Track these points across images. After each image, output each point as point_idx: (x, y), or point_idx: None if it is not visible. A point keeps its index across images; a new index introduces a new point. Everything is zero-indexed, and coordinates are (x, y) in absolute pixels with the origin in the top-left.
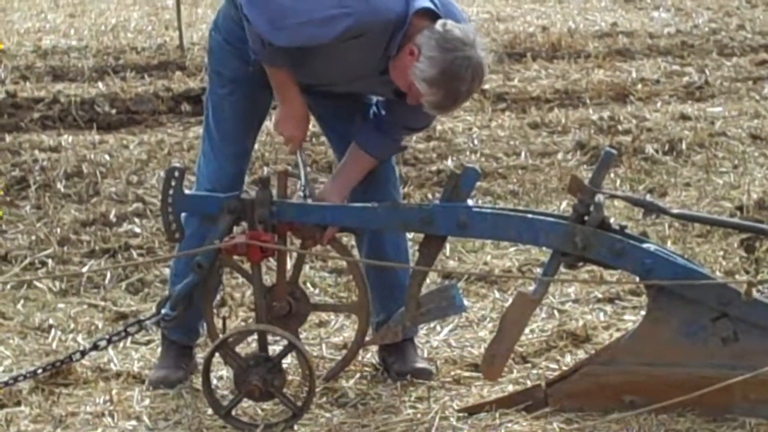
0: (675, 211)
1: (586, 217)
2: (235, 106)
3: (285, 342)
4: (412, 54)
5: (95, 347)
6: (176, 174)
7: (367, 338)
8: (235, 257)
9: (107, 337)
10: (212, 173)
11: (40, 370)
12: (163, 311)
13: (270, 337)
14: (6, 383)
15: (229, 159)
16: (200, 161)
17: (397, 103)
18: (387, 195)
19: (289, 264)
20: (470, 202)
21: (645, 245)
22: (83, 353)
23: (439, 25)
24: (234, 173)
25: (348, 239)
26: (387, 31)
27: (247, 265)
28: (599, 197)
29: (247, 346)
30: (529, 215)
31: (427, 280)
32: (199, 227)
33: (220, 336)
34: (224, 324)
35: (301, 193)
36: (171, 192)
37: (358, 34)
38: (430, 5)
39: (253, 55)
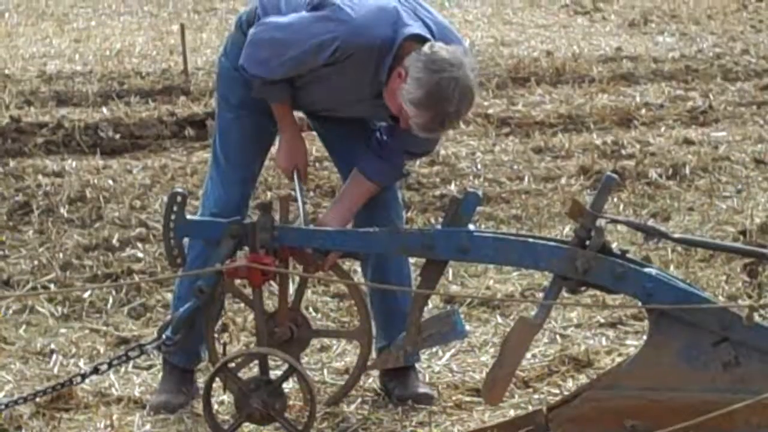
0: (676, 235)
1: (587, 242)
2: (241, 131)
3: (286, 367)
4: (400, 76)
5: (96, 371)
6: (178, 199)
7: (368, 363)
8: (237, 282)
9: (108, 361)
10: (218, 198)
11: (40, 394)
12: (164, 336)
13: (272, 362)
14: (6, 405)
15: (235, 184)
16: (207, 185)
17: (398, 128)
18: (389, 222)
19: (291, 289)
20: (471, 226)
21: (646, 270)
22: (84, 377)
23: (426, 47)
24: (239, 198)
25: (351, 265)
26: (372, 54)
27: (248, 291)
28: (600, 222)
29: (249, 371)
30: (531, 239)
31: (429, 305)
32: (202, 251)
33: (221, 360)
34: (225, 350)
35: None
36: (173, 217)
37: (345, 55)
38: (420, 32)
39: (254, 94)
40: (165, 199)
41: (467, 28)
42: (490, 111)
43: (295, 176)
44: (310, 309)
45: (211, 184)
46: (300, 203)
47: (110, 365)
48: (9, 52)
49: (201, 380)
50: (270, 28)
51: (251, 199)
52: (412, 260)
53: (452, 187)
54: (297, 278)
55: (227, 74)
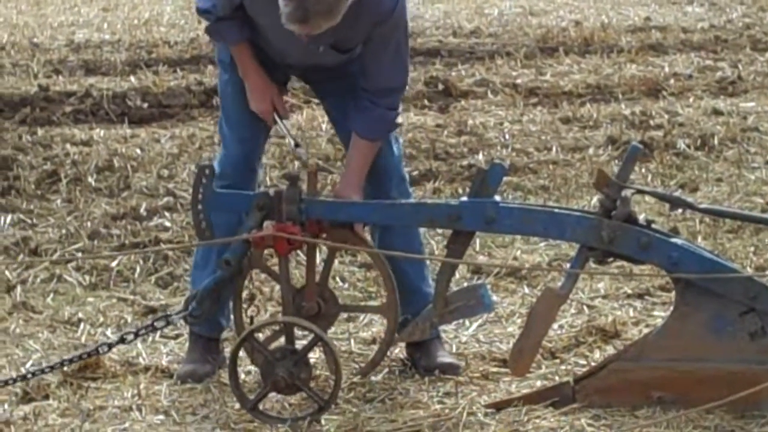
0: (702, 206)
1: (612, 212)
2: (235, 90)
3: (311, 337)
4: None
5: (122, 341)
6: (207, 172)
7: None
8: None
9: (135, 330)
10: (221, 158)
11: (67, 362)
12: (190, 307)
13: (298, 333)
14: (33, 374)
15: (234, 143)
16: None
17: (365, 63)
18: (388, 189)
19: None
20: (497, 197)
21: (672, 240)
22: (110, 346)
23: None
24: (239, 157)
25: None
26: None
27: (275, 267)
28: (626, 192)
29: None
30: (556, 210)
31: (457, 275)
32: (226, 220)
33: (247, 329)
34: (252, 321)
35: (300, 155)
36: (201, 190)
37: None
38: None
39: (207, 32)
40: (193, 168)
41: None
42: (518, 81)
43: (276, 116)
44: (337, 278)
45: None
46: (288, 136)
47: (137, 335)
48: (38, 21)
49: (228, 349)
50: None
51: (277, 169)
52: (440, 231)
53: (480, 157)
54: (325, 253)
55: None
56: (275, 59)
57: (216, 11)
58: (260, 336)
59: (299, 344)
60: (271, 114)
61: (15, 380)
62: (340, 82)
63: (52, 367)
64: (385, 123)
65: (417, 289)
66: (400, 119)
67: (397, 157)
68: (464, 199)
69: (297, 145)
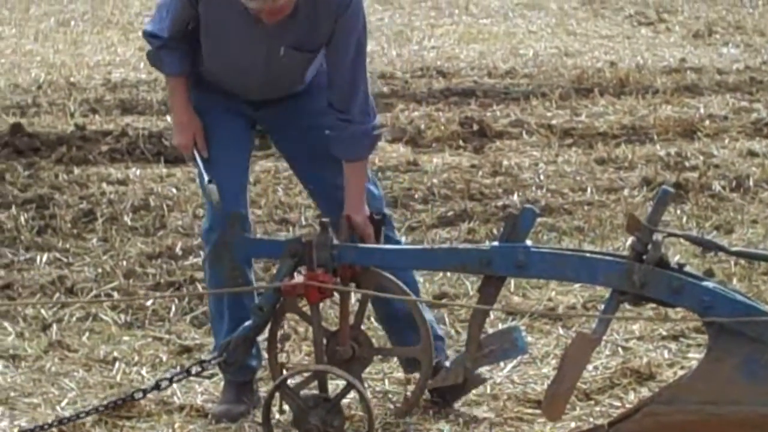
0: (734, 249)
1: (644, 256)
2: (208, 134)
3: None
4: None
5: (157, 387)
6: (237, 218)
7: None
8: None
9: (169, 377)
10: (207, 210)
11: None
12: (225, 354)
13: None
14: (69, 419)
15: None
16: None
17: (329, 68)
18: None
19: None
20: (529, 242)
21: (704, 283)
22: (145, 392)
23: None
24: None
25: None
26: None
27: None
28: (657, 235)
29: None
30: (587, 254)
31: (491, 316)
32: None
33: (281, 375)
34: (282, 370)
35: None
36: (233, 237)
37: None
38: None
39: (149, 59)
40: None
41: (531, 39)
42: (554, 122)
43: (195, 153)
44: (371, 318)
45: None
46: (205, 178)
47: (171, 381)
48: (74, 60)
49: (264, 389)
50: None
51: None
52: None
53: (515, 197)
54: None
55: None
56: (240, 96)
57: (163, 35)
58: (295, 380)
59: (332, 386)
60: (190, 149)
61: (51, 425)
62: (303, 136)
63: (87, 413)
64: (363, 138)
65: (409, 319)
66: (380, 131)
67: (378, 198)
68: (495, 243)
69: (210, 181)
